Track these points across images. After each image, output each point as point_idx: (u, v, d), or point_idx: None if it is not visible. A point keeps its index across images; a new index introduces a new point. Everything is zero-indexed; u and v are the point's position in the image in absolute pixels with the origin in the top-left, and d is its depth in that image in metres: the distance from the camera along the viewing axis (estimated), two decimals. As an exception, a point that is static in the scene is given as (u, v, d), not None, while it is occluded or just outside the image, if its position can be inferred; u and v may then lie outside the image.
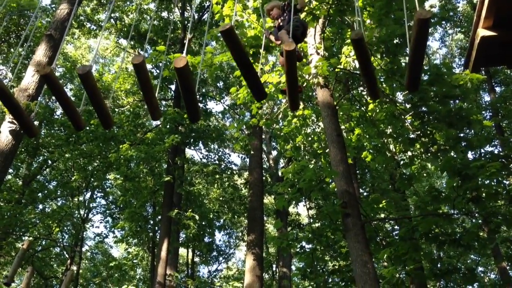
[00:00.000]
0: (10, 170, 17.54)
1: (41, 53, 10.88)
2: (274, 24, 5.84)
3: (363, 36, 3.48)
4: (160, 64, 15.37)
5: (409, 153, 12.09)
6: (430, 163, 11.67)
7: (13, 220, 17.54)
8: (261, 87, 3.99)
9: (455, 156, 9.71)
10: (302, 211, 24.48)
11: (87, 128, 16.76)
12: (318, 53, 10.76)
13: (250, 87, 3.98)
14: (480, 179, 8.73)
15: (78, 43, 24.72)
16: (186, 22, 20.62)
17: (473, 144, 10.03)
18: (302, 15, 9.31)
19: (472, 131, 11.49)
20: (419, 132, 10.65)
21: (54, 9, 17.72)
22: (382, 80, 10.87)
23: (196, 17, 20.57)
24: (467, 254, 17.91)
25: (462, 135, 10.20)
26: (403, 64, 10.59)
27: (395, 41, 10.17)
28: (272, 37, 5.32)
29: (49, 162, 20.40)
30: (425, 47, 3.50)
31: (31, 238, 18.40)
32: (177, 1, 20.39)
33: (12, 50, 18.63)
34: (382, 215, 13.91)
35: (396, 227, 15.82)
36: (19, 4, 16.88)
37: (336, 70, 10.57)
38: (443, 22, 21.53)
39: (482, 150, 13.04)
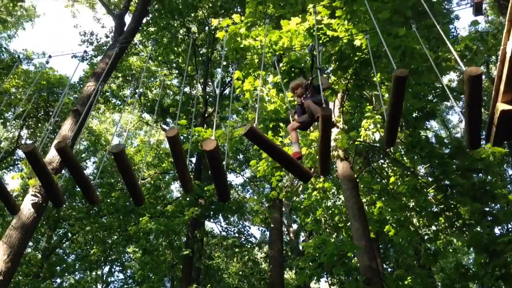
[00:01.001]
0: (30, 243, 17.54)
1: (67, 127, 11.16)
2: (297, 101, 5.89)
3: (407, 75, 3.46)
4: (182, 137, 15.66)
5: (433, 228, 11.79)
6: (456, 238, 11.34)
7: (30, 295, 17.33)
8: (306, 171, 4.12)
9: (481, 231, 9.44)
10: (324, 287, 23.69)
11: (108, 200, 16.87)
12: (337, 127, 10.87)
13: (295, 175, 4.24)
14: (508, 256, 8.42)
15: (103, 117, 25.48)
16: (207, 96, 21.20)
17: (499, 218, 9.78)
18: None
19: (498, 205, 11.22)
20: (442, 206, 10.44)
21: (81, 85, 18.44)
22: (402, 153, 10.85)
23: (217, 92, 21.16)
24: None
25: (487, 209, 9.96)
26: (423, 137, 10.59)
27: (414, 115, 10.24)
28: (296, 116, 5.39)
29: (69, 235, 20.39)
30: (481, 103, 3.43)
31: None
32: (199, 78, 21.09)
33: (39, 125, 19.22)
34: (408, 293, 13.34)
35: (423, 305, 15.08)
36: (49, 81, 17.64)
37: (356, 143, 10.61)
38: (462, 96, 21.68)
39: (509, 225, 12.66)
